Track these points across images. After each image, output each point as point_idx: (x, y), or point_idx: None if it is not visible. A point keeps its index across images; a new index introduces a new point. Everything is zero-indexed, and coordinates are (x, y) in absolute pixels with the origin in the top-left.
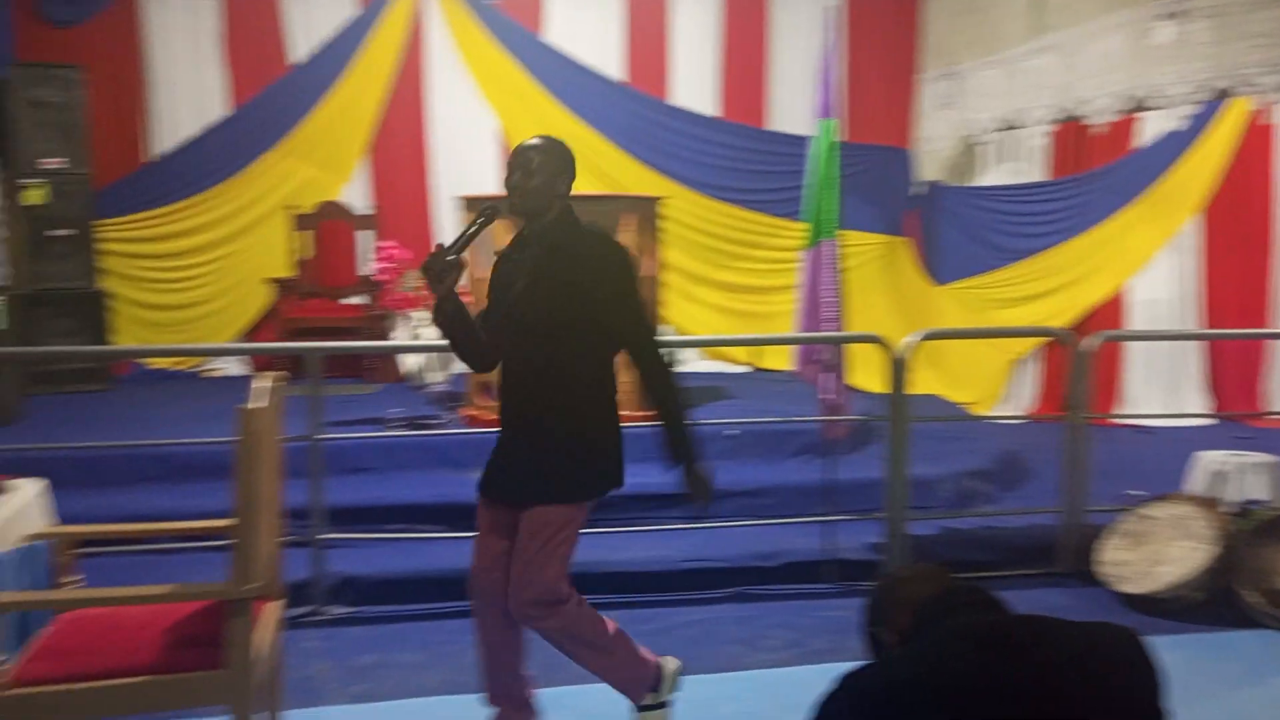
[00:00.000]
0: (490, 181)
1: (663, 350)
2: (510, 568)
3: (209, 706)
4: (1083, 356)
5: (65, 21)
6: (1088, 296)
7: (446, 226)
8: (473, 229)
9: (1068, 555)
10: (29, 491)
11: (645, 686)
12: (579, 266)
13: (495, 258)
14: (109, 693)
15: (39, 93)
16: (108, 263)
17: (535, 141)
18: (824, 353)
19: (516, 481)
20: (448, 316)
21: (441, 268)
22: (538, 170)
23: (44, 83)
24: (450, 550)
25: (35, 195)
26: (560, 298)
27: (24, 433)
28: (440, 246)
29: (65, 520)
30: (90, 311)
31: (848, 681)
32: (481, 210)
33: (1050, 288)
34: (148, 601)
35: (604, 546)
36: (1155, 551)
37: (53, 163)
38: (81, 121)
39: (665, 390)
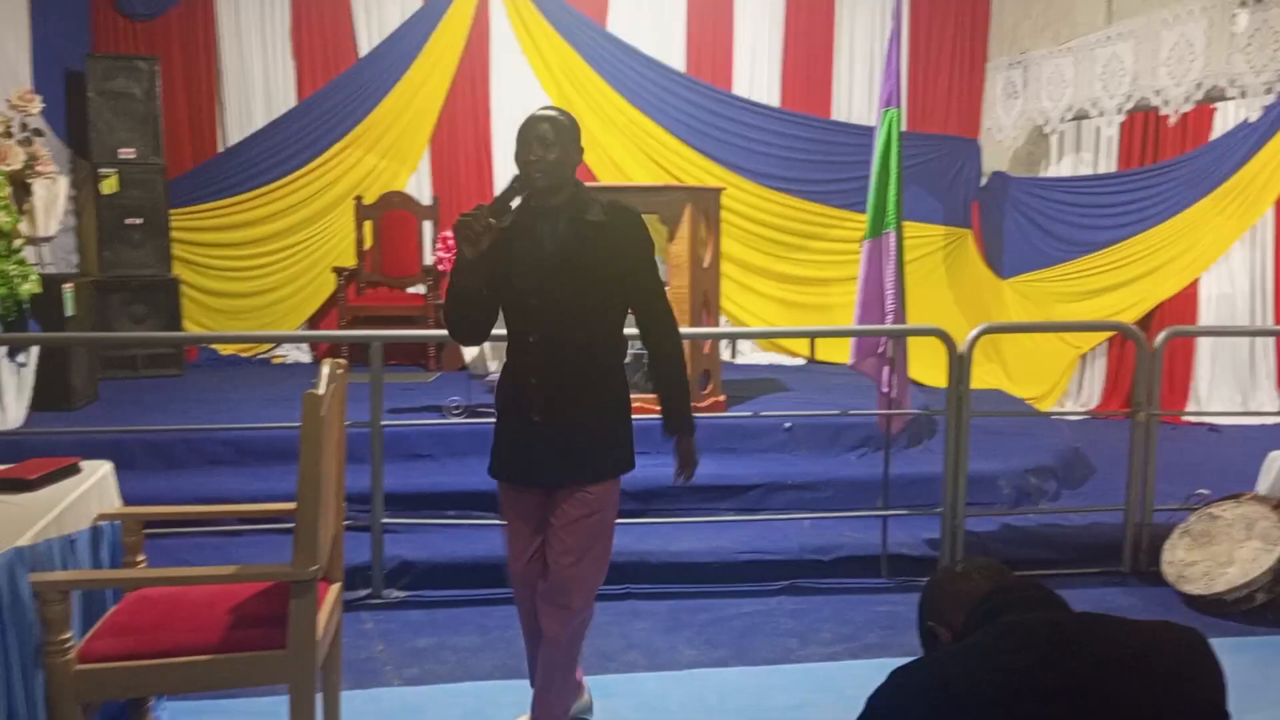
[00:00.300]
0: None
1: (673, 322)
2: (550, 555)
3: (270, 685)
4: (1151, 353)
5: (141, 15)
6: (1158, 291)
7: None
8: (510, 193)
9: (1132, 554)
10: (100, 472)
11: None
12: (608, 239)
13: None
14: (174, 669)
15: (115, 84)
16: (179, 250)
17: (546, 113)
18: (884, 346)
19: (553, 463)
20: (472, 280)
21: (482, 228)
22: (555, 142)
23: (120, 75)
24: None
25: (109, 184)
26: (596, 273)
27: (97, 415)
28: (480, 206)
29: (134, 501)
30: (162, 298)
31: (900, 677)
32: (517, 176)
33: (1119, 281)
34: (213, 581)
35: (659, 537)
36: (1222, 552)
37: (128, 153)
38: (156, 113)
39: (676, 362)
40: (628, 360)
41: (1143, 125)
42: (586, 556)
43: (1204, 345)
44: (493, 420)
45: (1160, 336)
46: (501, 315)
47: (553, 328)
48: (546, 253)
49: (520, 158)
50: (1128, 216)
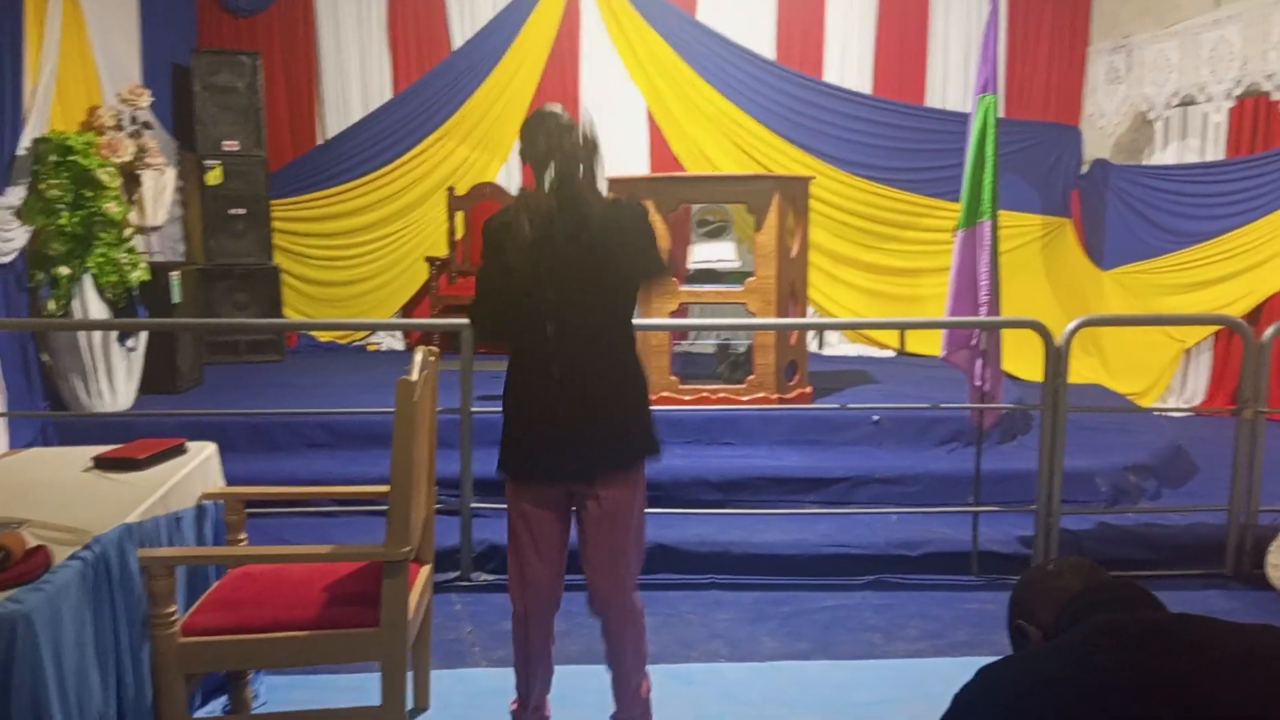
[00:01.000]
0: (639, 161)
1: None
2: (596, 563)
3: (362, 662)
4: (1259, 347)
5: (244, 11)
6: (1267, 284)
7: None
8: (540, 195)
9: (1235, 556)
10: (204, 453)
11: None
12: (615, 226)
13: (489, 221)
14: (272, 644)
15: (220, 79)
16: (279, 240)
17: (552, 109)
18: (977, 338)
19: (585, 455)
20: (517, 281)
21: (529, 228)
22: (569, 130)
23: (224, 69)
24: None
25: (214, 176)
26: (606, 259)
27: (201, 399)
28: (515, 208)
29: (236, 482)
30: (264, 286)
31: (987, 675)
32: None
33: (1226, 273)
34: (310, 560)
35: (743, 528)
36: None
37: (232, 145)
38: (258, 106)
39: None
40: (712, 351)
41: (1253, 111)
42: (632, 552)
43: None
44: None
45: (1269, 331)
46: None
47: (571, 316)
48: (558, 242)
49: (535, 154)
50: (1236, 206)
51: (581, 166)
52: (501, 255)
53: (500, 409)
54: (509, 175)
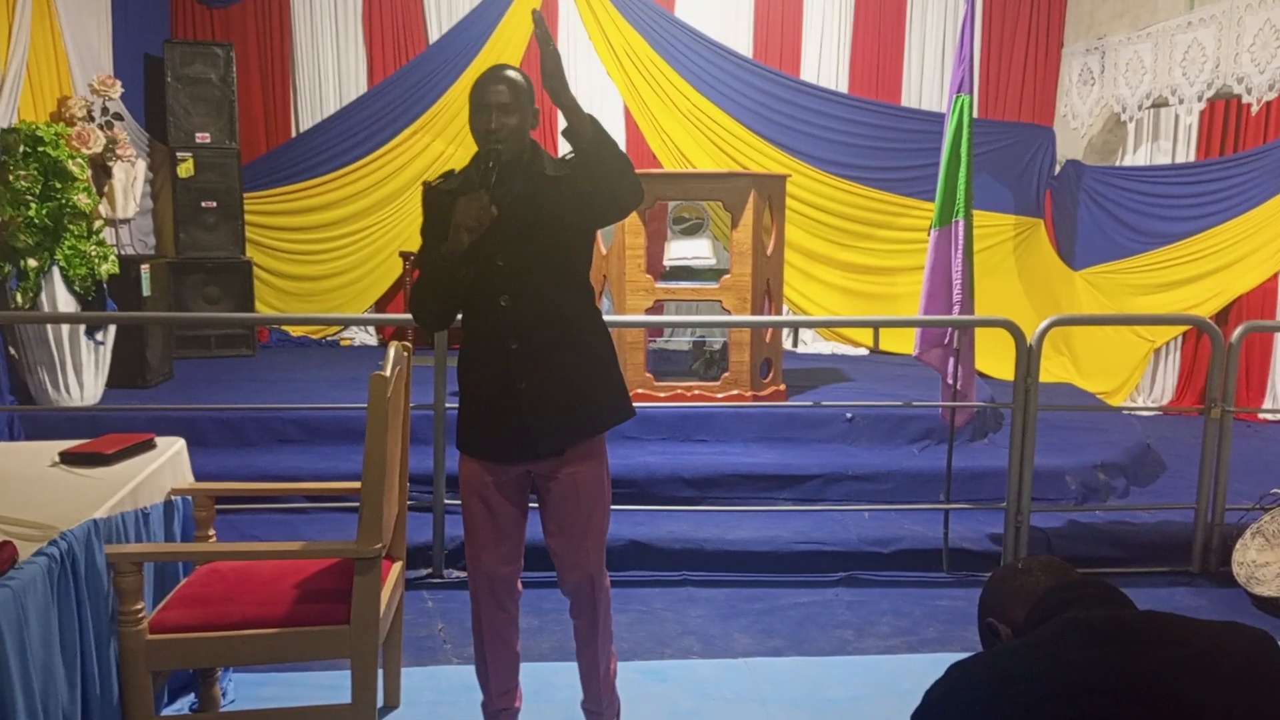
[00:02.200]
0: None
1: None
2: (560, 546)
3: (333, 659)
4: (1228, 348)
5: (218, 2)
6: (1236, 284)
7: None
8: (488, 172)
9: (1202, 554)
10: (174, 449)
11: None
12: (566, 190)
13: (427, 195)
14: (241, 641)
15: (193, 70)
16: (252, 234)
17: (500, 74)
18: (950, 337)
19: (548, 429)
20: (464, 266)
21: (481, 213)
22: (514, 107)
23: (197, 61)
24: None
25: (186, 168)
26: (559, 224)
27: (171, 393)
28: (476, 194)
29: (206, 477)
30: (236, 280)
31: (958, 671)
32: (488, 154)
33: (1196, 274)
34: (280, 557)
35: (717, 525)
36: None
37: (204, 137)
38: (232, 98)
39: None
40: (687, 348)
41: (1224, 113)
42: (596, 530)
43: None
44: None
45: (1237, 331)
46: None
47: (525, 287)
48: (508, 213)
49: (479, 126)
50: (1206, 208)
51: (527, 137)
52: (444, 228)
53: (460, 387)
54: None
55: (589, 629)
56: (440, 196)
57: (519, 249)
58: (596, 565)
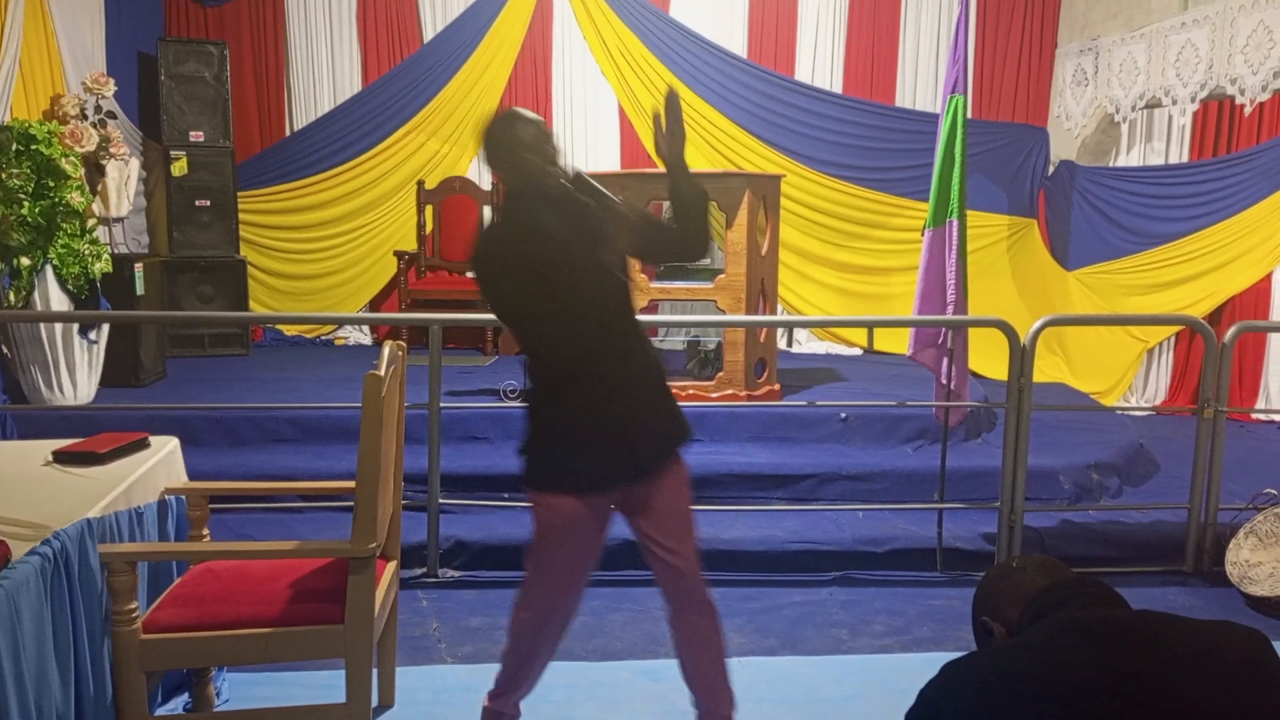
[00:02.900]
0: (610, 157)
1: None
2: (668, 560)
3: (327, 659)
4: (1221, 348)
5: (212, 1)
6: (1230, 285)
7: None
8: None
9: (1195, 554)
10: (167, 448)
11: None
12: (595, 215)
13: (481, 249)
14: (235, 641)
15: (186, 68)
16: (246, 232)
17: (526, 114)
18: (944, 336)
19: (648, 448)
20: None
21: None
22: (549, 137)
23: (191, 59)
24: None
25: (179, 167)
26: (603, 248)
27: (165, 392)
28: (659, 121)
29: (200, 477)
30: (230, 279)
31: (952, 670)
32: (671, 95)
33: (1189, 275)
34: (274, 556)
35: (711, 525)
36: None
37: (198, 136)
38: (225, 96)
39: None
40: (681, 348)
41: (1217, 114)
42: (693, 534)
43: (1276, 341)
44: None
45: (1230, 331)
46: (524, 324)
47: (603, 310)
48: (564, 243)
49: (531, 167)
50: (1200, 208)
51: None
52: (514, 278)
53: (538, 423)
54: (479, 170)
55: (709, 625)
56: (504, 245)
57: (584, 276)
58: (700, 567)
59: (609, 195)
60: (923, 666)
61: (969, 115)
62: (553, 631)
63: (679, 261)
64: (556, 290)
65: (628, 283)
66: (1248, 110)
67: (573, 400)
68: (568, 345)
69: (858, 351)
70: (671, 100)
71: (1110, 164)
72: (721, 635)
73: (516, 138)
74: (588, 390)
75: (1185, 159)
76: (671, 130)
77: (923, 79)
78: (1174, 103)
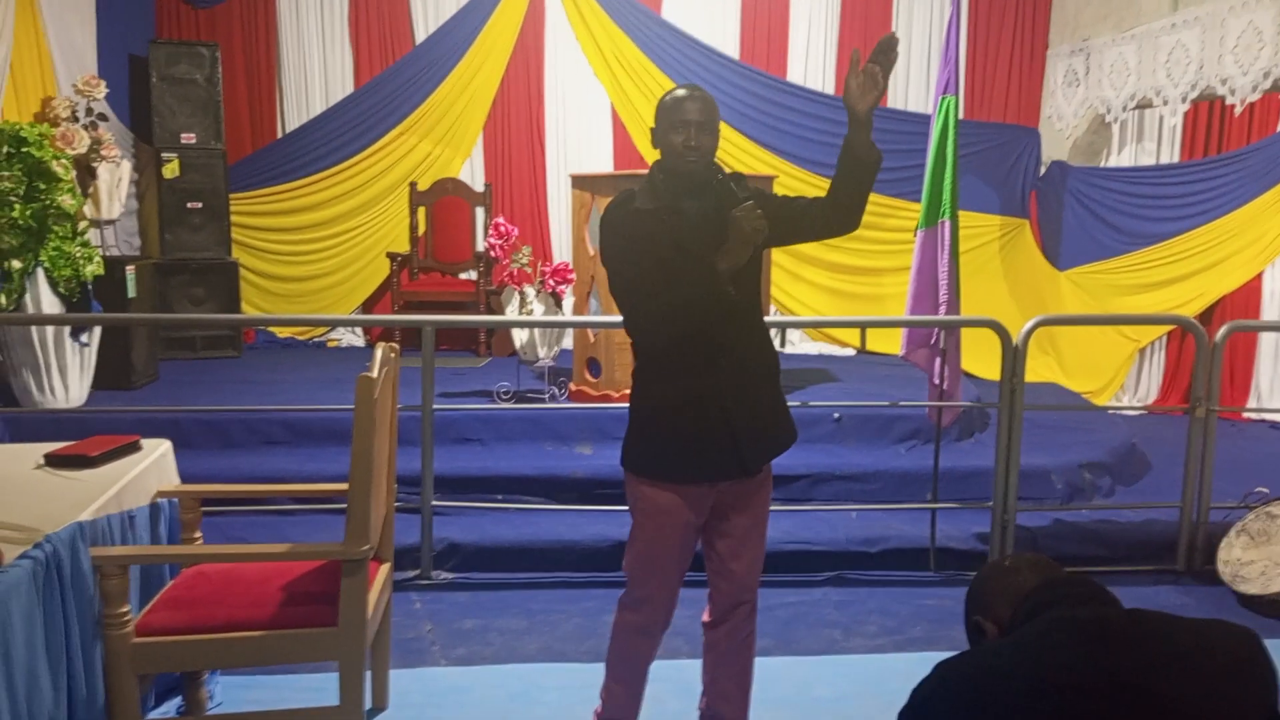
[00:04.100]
0: (603, 158)
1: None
2: (732, 563)
3: (320, 661)
4: (1212, 347)
5: (203, 2)
6: (1220, 284)
7: (559, 203)
8: (729, 187)
9: (1187, 553)
10: (159, 451)
11: None
12: (758, 201)
13: (612, 214)
14: (227, 644)
15: (178, 70)
16: (238, 234)
17: (693, 92)
18: (936, 337)
19: (752, 445)
20: (727, 280)
21: (759, 222)
22: (708, 127)
23: (182, 61)
24: (552, 522)
25: (171, 169)
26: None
27: (156, 395)
28: (747, 208)
29: (192, 479)
30: (221, 281)
31: (944, 670)
32: (698, 169)
33: (1180, 274)
34: (267, 559)
35: None
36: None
37: (189, 138)
38: (217, 98)
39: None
40: None
41: (1207, 115)
42: (762, 550)
43: (1267, 341)
44: (541, 407)
45: (1221, 331)
46: (634, 301)
47: (733, 304)
48: (705, 231)
49: (673, 142)
50: (1191, 208)
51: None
52: (650, 245)
53: (642, 409)
54: (472, 171)
55: (744, 641)
56: (637, 216)
57: (747, 264)
58: (757, 586)
59: (763, 193)
60: (916, 666)
61: (961, 116)
62: (657, 635)
63: (830, 237)
64: (678, 275)
65: (757, 277)
66: (1238, 110)
67: (677, 389)
68: (675, 331)
69: (851, 352)
70: (888, 43)
71: (1101, 164)
72: (753, 648)
73: (675, 113)
74: (695, 382)
75: (1176, 159)
76: (875, 79)
77: (914, 81)
78: (1165, 103)
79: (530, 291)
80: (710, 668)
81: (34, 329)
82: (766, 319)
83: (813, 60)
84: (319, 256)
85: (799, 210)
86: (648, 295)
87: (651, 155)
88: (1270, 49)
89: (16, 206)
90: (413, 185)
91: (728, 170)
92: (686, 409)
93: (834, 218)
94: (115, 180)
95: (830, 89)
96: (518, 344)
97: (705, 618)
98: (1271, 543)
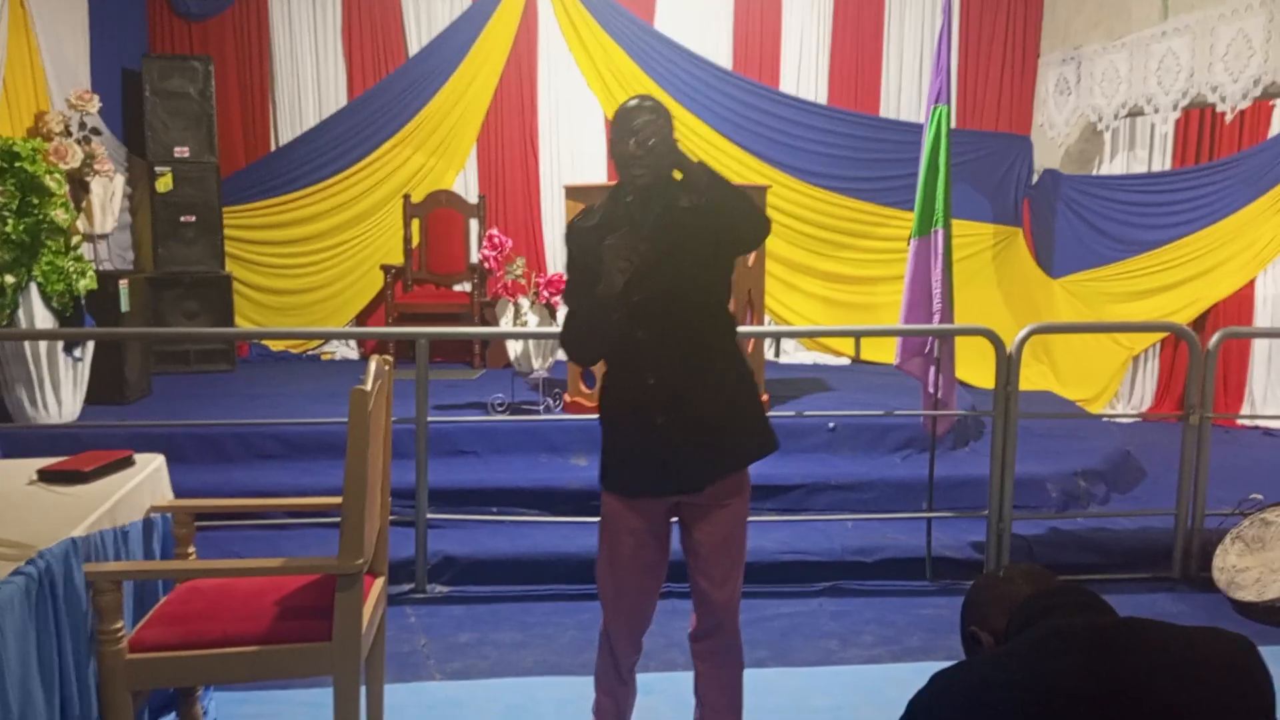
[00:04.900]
0: (596, 169)
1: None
2: (702, 586)
3: (315, 676)
4: (1205, 354)
5: (197, 16)
6: (1213, 292)
7: (553, 215)
8: (633, 204)
9: (1182, 560)
10: (152, 465)
11: None
12: (702, 218)
13: (573, 226)
14: (221, 660)
15: (171, 84)
16: (231, 248)
17: (642, 103)
18: (930, 345)
19: (688, 466)
20: (619, 308)
21: (629, 251)
22: (656, 134)
23: (176, 74)
24: (548, 534)
25: (164, 183)
26: (698, 254)
27: (150, 409)
28: (628, 229)
29: (185, 494)
30: (215, 294)
31: (941, 680)
32: (627, 186)
33: (1173, 281)
34: (260, 574)
35: None
36: (1275, 559)
37: (183, 151)
38: (210, 112)
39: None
40: None
41: (1199, 122)
42: (736, 571)
43: (1259, 347)
44: (536, 419)
45: (1214, 338)
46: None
47: (662, 320)
48: (655, 245)
49: (621, 152)
50: (1182, 215)
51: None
52: (590, 266)
53: (600, 418)
54: (465, 183)
55: (727, 654)
56: (584, 234)
57: (655, 282)
58: (737, 604)
59: (738, 194)
60: (913, 676)
61: (953, 125)
62: (632, 644)
63: (745, 246)
64: (628, 287)
65: (712, 297)
66: (1229, 118)
67: (619, 402)
68: (623, 344)
69: (845, 361)
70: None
71: (1094, 172)
72: (739, 660)
73: (621, 123)
74: (633, 396)
75: (1168, 167)
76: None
77: (906, 89)
78: (1156, 111)
79: (524, 303)
80: (699, 679)
81: (27, 344)
82: (760, 329)
83: (805, 70)
84: (313, 269)
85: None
86: (568, 316)
87: None
88: (1260, 56)
89: (9, 221)
90: (406, 198)
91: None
92: (623, 422)
93: (729, 236)
94: (108, 194)
95: (823, 99)
96: (512, 356)
97: (690, 630)
98: (1266, 549)
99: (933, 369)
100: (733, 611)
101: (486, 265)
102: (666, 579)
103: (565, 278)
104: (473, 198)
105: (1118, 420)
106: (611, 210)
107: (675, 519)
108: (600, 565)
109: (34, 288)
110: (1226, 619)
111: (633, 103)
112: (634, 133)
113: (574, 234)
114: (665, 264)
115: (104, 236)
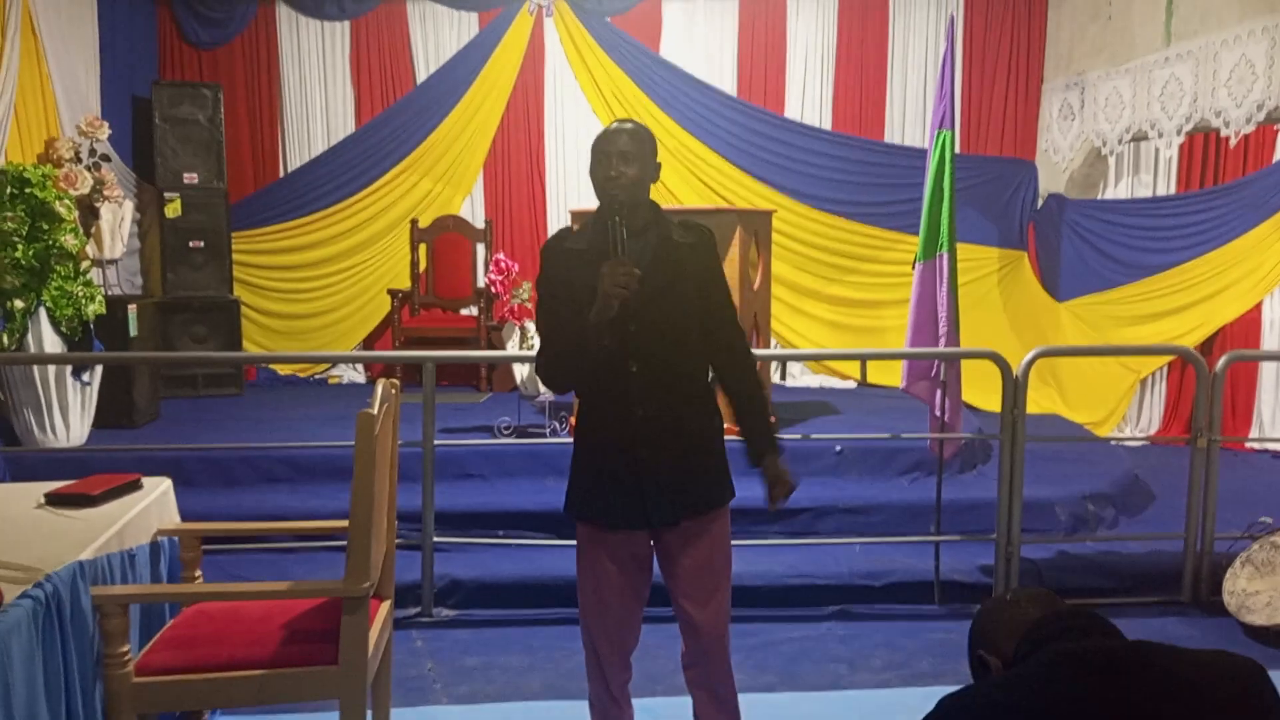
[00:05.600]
0: None
1: (745, 343)
2: (688, 612)
3: (321, 700)
4: (1212, 377)
5: (206, 43)
6: (1220, 315)
7: None
8: (615, 229)
9: (1192, 584)
10: (160, 489)
11: None
12: (693, 259)
13: (545, 252)
14: (228, 683)
15: (181, 111)
16: (240, 273)
17: (622, 126)
18: (937, 369)
19: (670, 498)
20: (607, 336)
21: (628, 280)
22: (635, 156)
23: (185, 101)
24: (554, 557)
25: (173, 208)
26: (687, 293)
27: (158, 433)
28: (617, 256)
29: (192, 517)
30: (223, 319)
31: (948, 705)
32: (610, 208)
33: (1179, 305)
34: (267, 597)
35: None
36: None
37: (192, 177)
38: (220, 138)
39: (752, 381)
40: None
41: (1203, 147)
42: (720, 593)
43: (1268, 370)
44: (543, 442)
45: (1221, 361)
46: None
47: (653, 354)
48: (640, 276)
49: (598, 174)
50: (1188, 239)
51: (647, 189)
52: (570, 289)
53: (571, 449)
54: (472, 208)
55: (718, 680)
56: (568, 255)
57: (650, 314)
58: (726, 627)
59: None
60: (922, 701)
61: (957, 150)
62: (620, 670)
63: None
64: (623, 315)
65: (698, 335)
66: (1233, 142)
67: (601, 432)
68: (605, 379)
69: (851, 384)
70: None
71: (1098, 196)
72: (732, 688)
73: (599, 145)
74: (617, 428)
75: (1172, 191)
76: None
77: (910, 115)
78: (1160, 135)
79: (531, 327)
80: (697, 706)
81: (36, 368)
82: (766, 352)
83: (810, 96)
84: (320, 294)
85: (710, 333)
86: (546, 340)
87: (654, 192)
88: (1263, 81)
89: (19, 247)
90: (414, 222)
91: (682, 214)
92: (604, 453)
93: (715, 374)
94: (117, 220)
95: (828, 124)
96: (519, 379)
97: (681, 656)
98: (1277, 573)
99: (939, 392)
100: (720, 640)
101: (493, 289)
102: (668, 602)
103: (537, 295)
104: (479, 223)
105: (1125, 443)
106: (599, 234)
107: (654, 542)
108: (583, 593)
109: (43, 312)
110: (1237, 643)
111: (612, 126)
112: (610, 155)
113: (554, 254)
114: (663, 297)
115: (113, 262)
